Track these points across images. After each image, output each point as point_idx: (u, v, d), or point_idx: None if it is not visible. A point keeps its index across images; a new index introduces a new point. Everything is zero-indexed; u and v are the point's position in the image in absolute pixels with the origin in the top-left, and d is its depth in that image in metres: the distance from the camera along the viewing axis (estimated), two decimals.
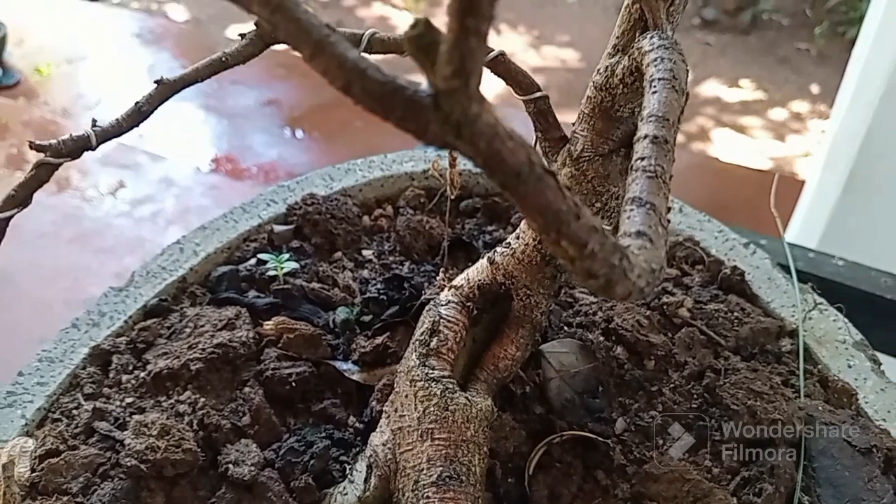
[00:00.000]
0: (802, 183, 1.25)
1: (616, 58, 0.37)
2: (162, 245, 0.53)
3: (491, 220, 0.58)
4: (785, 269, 0.54)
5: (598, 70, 0.38)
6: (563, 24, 2.93)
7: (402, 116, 0.21)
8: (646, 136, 0.29)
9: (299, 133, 2.49)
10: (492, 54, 0.38)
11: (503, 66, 0.39)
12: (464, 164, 0.57)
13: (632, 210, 0.27)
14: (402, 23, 3.03)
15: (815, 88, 2.54)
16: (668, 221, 0.27)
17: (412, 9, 3.09)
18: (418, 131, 0.22)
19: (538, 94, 0.40)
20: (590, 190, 0.40)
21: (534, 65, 2.72)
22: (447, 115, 0.21)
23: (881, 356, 0.60)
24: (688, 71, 0.32)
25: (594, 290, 0.25)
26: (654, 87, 0.30)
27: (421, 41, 0.21)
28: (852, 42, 1.05)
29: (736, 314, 0.48)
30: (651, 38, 0.33)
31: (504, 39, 2.88)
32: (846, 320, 0.49)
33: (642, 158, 0.29)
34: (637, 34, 0.36)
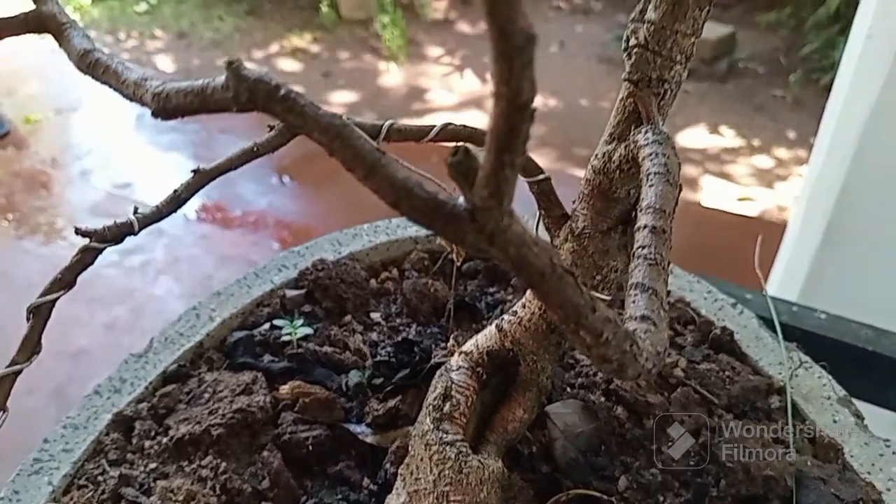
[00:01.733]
0: (783, 227, 1.30)
1: (612, 145, 0.41)
2: (152, 294, 0.55)
3: (492, 281, 0.61)
4: (771, 323, 0.57)
5: (596, 155, 0.42)
6: (547, 73, 3.01)
7: (444, 227, 0.24)
8: (645, 226, 0.32)
9: (288, 181, 2.52)
10: None
11: None
12: None
13: (636, 295, 0.30)
14: (385, 72, 3.10)
15: (791, 134, 2.63)
16: (668, 306, 0.30)
17: (397, 61, 3.16)
18: (457, 239, 0.25)
19: (541, 176, 0.43)
20: (591, 264, 0.43)
21: None
22: (482, 227, 0.24)
23: (866, 405, 0.63)
24: (679, 164, 0.35)
25: (608, 372, 0.28)
26: (651, 180, 0.34)
27: (461, 167, 0.24)
28: (827, 88, 1.10)
29: (727, 373, 0.51)
30: (646, 132, 0.37)
31: (492, 87, 2.95)
32: (830, 377, 0.52)
33: (643, 247, 0.32)
34: (632, 126, 0.39)
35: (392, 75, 3.04)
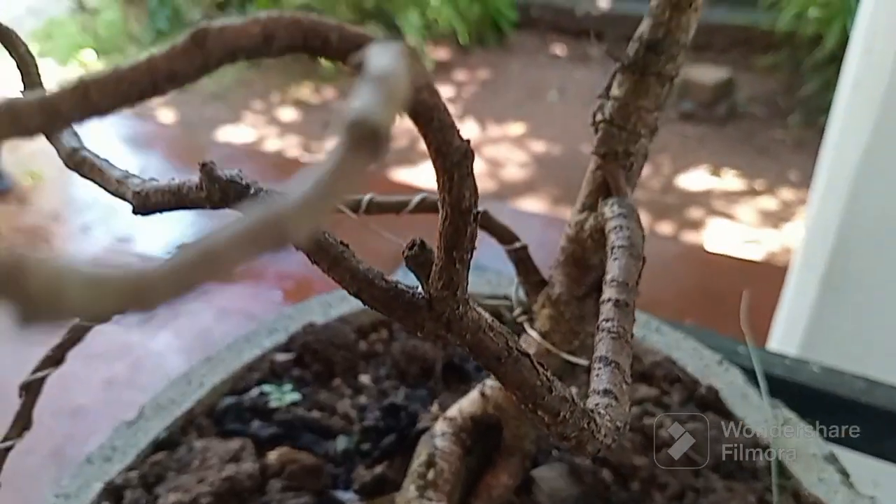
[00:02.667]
0: (786, 270, 1.30)
1: (584, 214, 0.42)
2: (151, 350, 0.56)
3: None
4: (764, 378, 0.58)
5: (569, 224, 0.43)
6: (546, 119, 3.06)
7: (403, 315, 0.26)
8: (610, 300, 0.33)
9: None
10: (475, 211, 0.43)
11: (486, 221, 0.43)
12: None
13: (599, 368, 0.31)
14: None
15: (793, 176, 2.65)
16: (630, 379, 0.31)
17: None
18: (416, 327, 0.26)
19: (518, 244, 0.44)
20: (568, 329, 0.43)
21: (520, 160, 2.83)
22: (439, 315, 0.25)
23: (859, 456, 0.63)
24: (643, 236, 0.36)
25: (567, 448, 0.29)
26: (615, 254, 0.35)
27: (416, 260, 0.25)
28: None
29: (713, 432, 0.51)
30: (612, 205, 0.38)
31: (491, 134, 3.01)
32: (817, 434, 0.52)
33: (607, 320, 0.33)
34: (601, 196, 0.41)
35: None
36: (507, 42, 3.70)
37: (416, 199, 0.43)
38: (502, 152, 2.88)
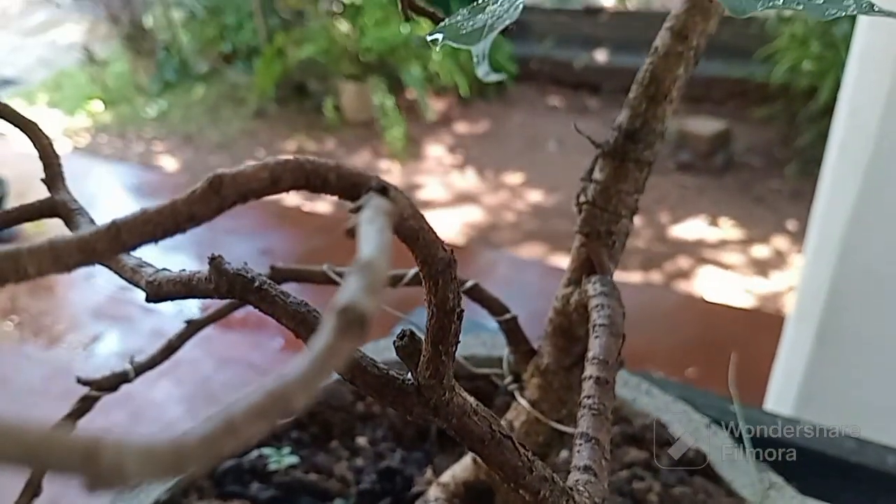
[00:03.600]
0: (783, 320, 1.31)
1: (570, 289, 0.44)
2: (151, 399, 0.58)
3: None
4: (752, 440, 0.59)
5: (557, 297, 0.45)
6: (546, 168, 3.12)
7: (393, 400, 0.28)
8: (591, 377, 0.35)
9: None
10: (468, 284, 0.46)
11: (477, 293, 0.45)
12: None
13: (580, 444, 0.33)
14: (387, 171, 3.21)
15: (791, 225, 2.68)
16: (610, 455, 0.33)
17: (399, 160, 3.28)
18: (405, 411, 0.28)
19: (507, 315, 0.46)
20: (556, 399, 0.45)
21: (519, 208, 2.87)
22: (427, 401, 0.27)
23: None
24: (623, 314, 0.38)
25: None
26: (597, 332, 0.37)
27: (406, 350, 0.28)
28: None
29: (701, 496, 0.52)
30: (594, 283, 0.40)
31: (493, 184, 3.06)
32: (802, 498, 0.53)
33: (588, 397, 0.35)
34: (586, 272, 0.43)
35: (393, 174, 3.16)
36: (506, 94, 3.79)
37: (412, 272, 0.46)
38: (502, 201, 2.93)
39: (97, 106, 4.10)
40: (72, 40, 5.09)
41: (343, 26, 3.47)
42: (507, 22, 0.21)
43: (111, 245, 0.15)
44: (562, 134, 3.36)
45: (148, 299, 0.30)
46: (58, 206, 0.34)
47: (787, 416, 0.76)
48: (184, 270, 0.30)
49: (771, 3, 0.28)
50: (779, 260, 2.48)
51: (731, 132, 3.11)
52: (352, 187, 0.18)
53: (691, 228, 2.67)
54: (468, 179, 3.11)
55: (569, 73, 3.72)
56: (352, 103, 3.55)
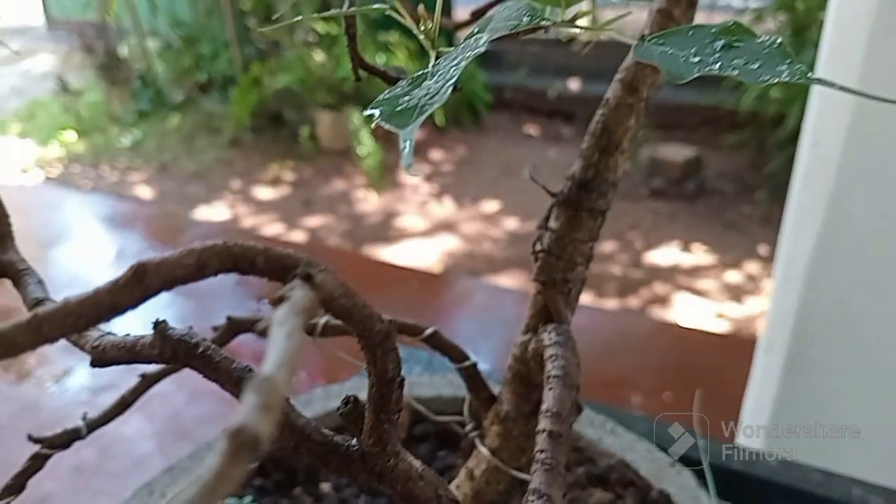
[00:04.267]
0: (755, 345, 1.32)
1: (528, 336, 0.44)
2: (122, 435, 0.57)
3: (441, 445, 0.63)
4: (720, 475, 0.60)
5: (516, 343, 0.45)
6: (521, 196, 3.15)
7: (338, 467, 0.28)
8: (544, 430, 0.35)
9: (265, 308, 2.55)
10: (427, 332, 0.46)
11: (437, 341, 0.46)
12: (418, 392, 0.63)
13: (532, 501, 0.33)
14: (363, 199, 3.22)
15: (762, 250, 2.72)
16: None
17: (375, 188, 3.29)
18: (350, 477, 0.28)
19: (467, 362, 0.46)
20: (516, 446, 0.45)
21: (495, 236, 2.89)
22: (372, 467, 0.27)
23: None
24: (578, 364, 0.39)
25: None
26: (550, 383, 0.37)
27: (349, 416, 0.27)
28: None
29: None
30: (550, 332, 0.41)
31: (469, 212, 3.07)
32: None
33: (542, 451, 0.35)
34: (543, 319, 0.43)
35: (369, 202, 3.17)
36: (482, 122, 3.83)
37: None
38: (478, 228, 2.94)
39: (70, 136, 4.07)
40: (45, 69, 5.06)
41: (318, 56, 3.49)
42: (437, 105, 0.21)
43: (33, 338, 0.15)
44: (537, 161, 3.40)
45: (93, 364, 0.30)
46: (6, 266, 0.34)
47: (754, 448, 0.77)
48: (128, 335, 0.30)
49: (708, 69, 0.29)
50: (751, 284, 2.51)
51: (703, 159, 3.16)
52: (281, 270, 0.18)
53: (665, 254, 2.70)
54: (445, 207, 3.12)
55: (543, 102, 3.77)
56: (328, 132, 3.57)
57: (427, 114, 0.21)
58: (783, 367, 1.13)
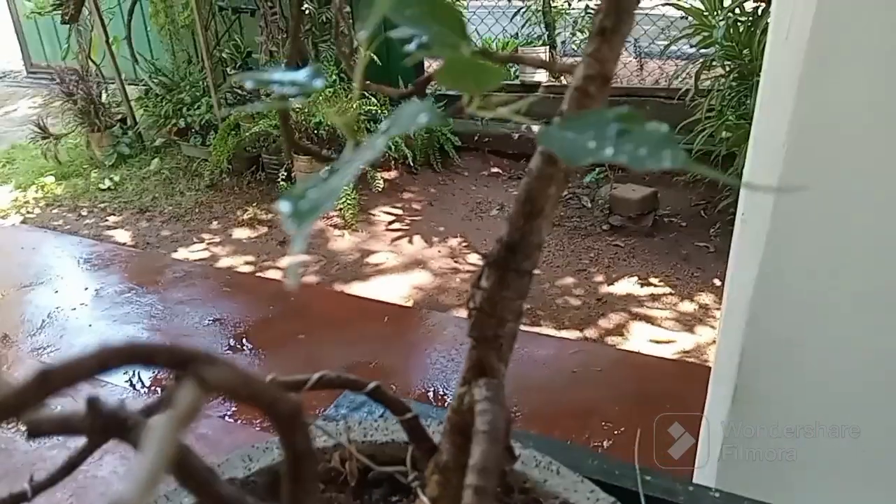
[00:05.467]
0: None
1: (464, 388, 0.47)
2: (96, 476, 0.57)
3: (395, 490, 0.65)
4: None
5: (454, 395, 0.48)
6: (488, 233, 3.22)
7: None
8: (470, 486, 0.38)
9: (244, 348, 2.55)
10: (370, 386, 0.48)
11: (380, 395, 0.48)
12: (373, 437, 0.65)
13: None
14: (339, 237, 3.24)
15: (717, 282, 2.81)
16: None
17: (349, 228, 3.32)
18: None
19: (409, 415, 0.49)
20: (454, 496, 0.48)
21: (465, 269, 2.93)
22: None
23: None
24: (509, 420, 0.42)
25: None
26: (477, 439, 0.40)
27: (267, 487, 0.30)
28: None
29: None
30: (482, 387, 0.44)
31: (439, 248, 3.12)
32: None
33: None
34: (478, 373, 0.46)
35: (344, 241, 3.20)
36: (452, 164, 3.92)
37: (315, 377, 0.48)
38: (448, 265, 2.99)
39: (50, 179, 4.06)
40: (25, 114, 5.03)
41: (295, 102, 3.54)
42: (328, 206, 0.24)
43: None
44: (505, 199, 3.48)
45: (28, 437, 0.32)
46: None
47: (700, 483, 0.80)
48: (61, 408, 0.32)
49: (600, 154, 0.33)
50: (706, 314, 2.59)
51: (658, 196, 3.26)
52: (182, 365, 0.21)
53: (625, 286, 2.77)
54: (416, 244, 3.17)
55: (509, 144, 3.88)
56: (304, 175, 3.61)
57: (318, 215, 0.24)
58: (732, 399, 1.18)
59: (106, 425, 0.29)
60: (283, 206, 0.23)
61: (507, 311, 0.46)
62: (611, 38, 0.47)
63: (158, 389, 2.32)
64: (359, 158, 0.26)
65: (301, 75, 0.31)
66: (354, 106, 3.40)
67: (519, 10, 4.60)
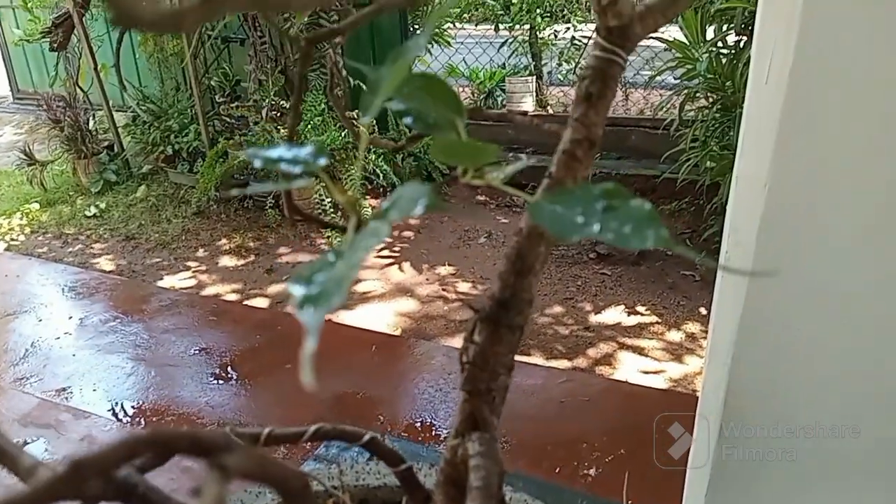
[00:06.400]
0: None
1: (457, 440, 0.49)
2: None
3: None
4: None
5: (447, 447, 0.49)
6: (477, 261, 3.24)
7: None
8: None
9: (229, 378, 2.53)
10: (365, 438, 0.49)
11: (375, 446, 0.49)
12: (365, 481, 0.66)
13: None
14: None
15: (703, 310, 2.84)
16: None
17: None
18: None
19: (403, 466, 0.50)
20: None
21: (451, 298, 2.94)
22: None
23: None
24: (501, 474, 0.43)
25: None
26: (473, 495, 0.41)
27: None
28: None
29: None
30: (475, 440, 0.45)
31: (426, 277, 3.13)
32: None
33: None
34: (470, 425, 0.48)
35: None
36: (440, 192, 3.94)
37: (312, 429, 0.49)
38: (436, 292, 3.00)
39: (35, 206, 4.04)
40: (11, 140, 5.02)
41: (284, 130, 3.56)
42: (339, 300, 0.25)
43: None
44: (491, 228, 3.51)
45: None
46: None
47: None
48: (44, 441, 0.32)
49: (588, 230, 0.35)
50: (693, 343, 2.61)
51: None
52: (203, 451, 0.22)
53: (612, 315, 2.79)
54: (404, 272, 3.18)
55: None
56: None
57: (331, 306, 0.25)
58: (717, 441, 1.19)
59: (118, 491, 0.30)
60: (296, 290, 0.24)
61: (500, 364, 0.48)
62: (596, 103, 0.49)
63: (142, 420, 2.30)
64: (363, 246, 0.27)
65: (304, 153, 0.33)
66: (355, 189, 3.45)
67: (506, 41, 4.68)
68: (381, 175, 3.62)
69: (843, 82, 0.91)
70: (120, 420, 2.31)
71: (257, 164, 0.32)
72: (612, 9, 0.46)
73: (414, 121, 0.38)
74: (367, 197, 3.72)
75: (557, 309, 2.84)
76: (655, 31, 0.48)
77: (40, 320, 2.94)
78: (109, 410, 2.35)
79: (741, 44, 2.86)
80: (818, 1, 0.70)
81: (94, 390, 2.46)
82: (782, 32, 0.76)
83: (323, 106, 3.54)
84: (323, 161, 0.33)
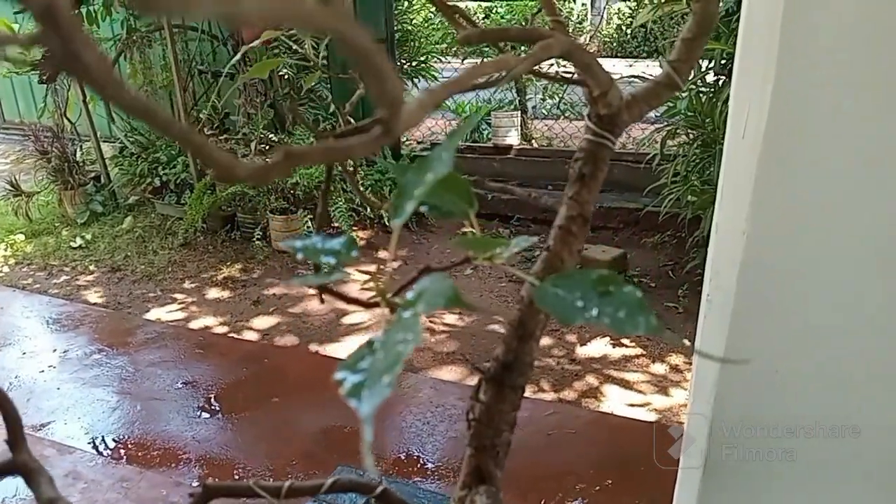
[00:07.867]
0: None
1: (464, 492, 0.53)
2: None
3: None
4: None
5: (453, 499, 0.53)
6: (462, 293, 3.27)
7: None
8: None
9: (215, 412, 2.53)
10: (378, 490, 0.53)
11: (387, 498, 0.53)
12: None
13: None
14: (311, 298, 3.27)
15: (686, 342, 2.89)
16: None
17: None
18: None
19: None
20: None
21: (441, 328, 2.97)
22: None
23: None
24: None
25: None
26: None
27: None
28: None
29: None
30: (482, 494, 0.49)
31: None
32: None
33: None
34: (476, 478, 0.52)
35: (318, 300, 3.23)
36: (426, 223, 3.99)
37: (329, 481, 0.53)
38: (421, 323, 3.02)
39: (20, 237, 4.03)
40: None
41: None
42: (387, 392, 0.29)
43: None
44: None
45: None
46: (19, 465, 0.40)
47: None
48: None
49: (587, 315, 0.39)
50: (677, 375, 2.66)
51: (627, 257, 3.37)
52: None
53: (597, 347, 2.84)
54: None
55: (482, 205, 3.97)
56: (280, 234, 3.65)
57: (383, 397, 0.29)
58: (701, 480, 1.23)
59: None
60: (346, 379, 0.28)
61: (503, 422, 0.52)
62: (589, 182, 0.54)
63: (125, 455, 2.29)
64: (401, 342, 0.31)
65: (337, 244, 0.37)
66: (343, 221, 3.48)
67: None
68: (367, 207, 3.67)
69: (815, 141, 0.98)
70: (101, 454, 2.30)
71: (300, 256, 0.36)
72: (603, 100, 0.51)
73: (430, 209, 0.42)
74: (355, 228, 3.76)
75: (544, 341, 2.88)
76: (641, 118, 0.54)
77: (24, 353, 2.93)
78: (94, 445, 2.34)
79: (720, 83, 2.96)
80: (792, 61, 0.75)
81: (79, 425, 2.45)
82: (758, 90, 0.81)
83: (311, 141, 3.60)
84: (355, 254, 0.37)
